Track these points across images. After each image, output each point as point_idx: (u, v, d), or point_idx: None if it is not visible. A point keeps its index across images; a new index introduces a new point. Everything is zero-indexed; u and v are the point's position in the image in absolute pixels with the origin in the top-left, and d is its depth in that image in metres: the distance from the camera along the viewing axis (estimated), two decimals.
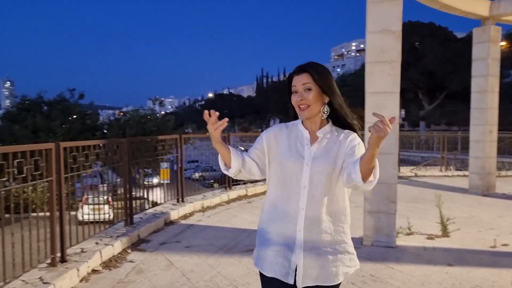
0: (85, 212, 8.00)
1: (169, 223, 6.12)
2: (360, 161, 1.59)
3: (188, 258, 4.53)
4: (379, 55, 4.93)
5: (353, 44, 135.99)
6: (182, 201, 7.07)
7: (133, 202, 5.87)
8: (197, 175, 26.48)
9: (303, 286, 1.75)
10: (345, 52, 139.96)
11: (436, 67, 35.22)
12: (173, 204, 6.89)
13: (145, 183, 9.11)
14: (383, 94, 4.93)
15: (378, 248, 4.84)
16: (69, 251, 4.18)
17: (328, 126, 1.85)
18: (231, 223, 6.12)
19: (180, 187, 7.06)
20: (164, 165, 8.13)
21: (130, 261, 4.44)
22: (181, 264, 4.33)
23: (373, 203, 4.97)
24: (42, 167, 3.80)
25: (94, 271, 4.09)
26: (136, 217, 5.82)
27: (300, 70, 1.81)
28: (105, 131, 28.76)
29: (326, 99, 1.81)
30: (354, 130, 1.84)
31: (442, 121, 41.59)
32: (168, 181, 7.64)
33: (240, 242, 5.10)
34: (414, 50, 36.47)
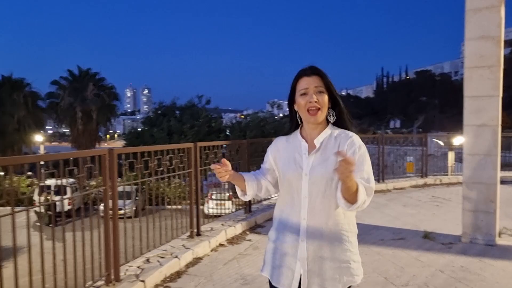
0: (210, 206, 9.35)
1: None
2: (341, 190, 1.64)
3: None
4: (479, 61, 5.14)
5: None
6: None
7: None
8: None
9: None
10: None
11: None
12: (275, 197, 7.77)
13: None
14: (482, 98, 5.13)
15: (475, 245, 5.05)
16: (202, 228, 5.31)
17: (328, 129, 1.82)
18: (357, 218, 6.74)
19: None
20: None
21: (248, 240, 5.42)
22: None
23: (472, 202, 5.19)
24: (183, 162, 4.97)
25: (220, 244, 5.16)
26: (253, 207, 6.84)
27: (311, 71, 1.77)
28: (227, 133, 31.28)
29: (330, 105, 1.80)
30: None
31: None
32: None
33: (367, 234, 5.70)
34: None
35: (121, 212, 3.85)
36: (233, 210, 7.45)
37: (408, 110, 49.11)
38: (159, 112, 32.10)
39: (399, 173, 11.26)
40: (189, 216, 5.03)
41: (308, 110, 1.76)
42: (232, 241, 5.35)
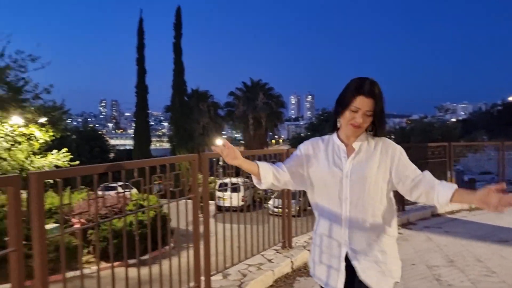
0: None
1: (435, 215, 7.40)
2: (458, 195, 1.65)
3: (444, 238, 5.82)
4: None
5: None
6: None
7: None
8: None
9: None
10: None
11: None
12: None
13: None
14: None
15: None
16: None
17: (363, 135, 1.86)
18: (493, 221, 6.85)
19: None
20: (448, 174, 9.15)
21: (399, 233, 6.02)
22: (437, 240, 5.68)
23: None
24: None
25: None
26: (407, 207, 7.41)
27: (369, 93, 1.75)
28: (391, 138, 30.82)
29: (372, 119, 1.81)
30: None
31: None
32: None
33: (495, 235, 5.94)
34: None
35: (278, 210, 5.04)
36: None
37: None
38: (322, 117, 33.57)
39: None
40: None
41: (351, 124, 1.79)
42: None
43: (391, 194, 1.90)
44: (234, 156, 1.84)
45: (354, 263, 1.82)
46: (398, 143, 1.91)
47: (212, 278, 3.64)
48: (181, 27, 36.61)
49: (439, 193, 1.69)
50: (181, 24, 36.69)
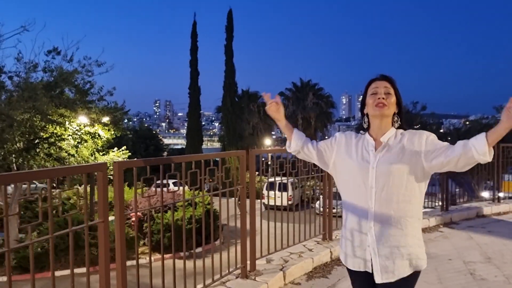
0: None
1: (481, 216, 7.41)
2: (490, 133, 1.69)
3: (486, 237, 5.90)
4: None
5: None
6: (498, 201, 8.08)
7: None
8: None
9: (382, 281, 1.91)
10: None
11: None
12: (488, 203, 8.04)
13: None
14: None
15: None
16: None
17: (392, 130, 1.99)
18: None
19: (497, 188, 8.10)
20: (506, 177, 9.06)
21: (440, 232, 6.25)
22: (478, 239, 5.79)
23: None
24: None
25: None
26: (452, 207, 7.48)
27: (382, 77, 1.99)
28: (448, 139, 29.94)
29: (396, 110, 2.00)
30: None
31: None
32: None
33: None
34: None
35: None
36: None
37: None
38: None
39: None
40: None
41: (376, 105, 1.95)
42: (424, 230, 6.28)
43: (423, 183, 1.93)
44: (278, 110, 2.10)
45: (373, 251, 1.92)
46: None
47: (257, 262, 4.10)
48: (232, 29, 37.60)
49: (475, 145, 1.71)
50: (233, 27, 37.67)
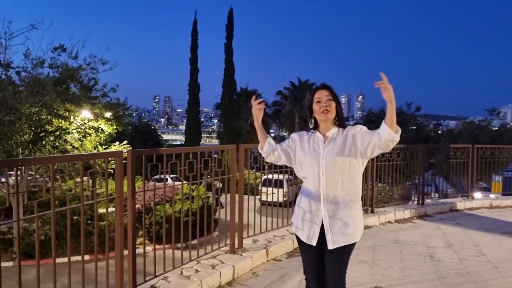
0: None
1: (454, 210, 8.08)
2: (385, 119, 2.21)
3: (453, 228, 6.58)
4: None
5: None
6: (472, 198, 8.75)
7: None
8: None
9: (334, 246, 2.39)
10: None
11: None
12: (463, 198, 8.72)
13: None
14: None
15: None
16: (376, 209, 7.09)
17: (335, 128, 2.49)
18: (507, 218, 7.45)
19: (470, 186, 8.78)
20: (496, 178, 9.60)
21: (413, 223, 6.93)
22: (445, 229, 6.46)
23: None
24: None
25: (388, 221, 6.85)
26: (428, 202, 8.15)
27: (323, 87, 2.49)
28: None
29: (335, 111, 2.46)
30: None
31: None
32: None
33: (503, 228, 6.58)
34: None
35: None
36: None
37: None
38: (369, 119, 33.68)
39: None
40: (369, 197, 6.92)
41: (322, 112, 2.43)
42: (399, 221, 6.96)
43: (361, 165, 2.43)
44: (261, 111, 2.59)
45: (326, 224, 2.40)
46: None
47: (244, 241, 4.76)
48: (232, 28, 38.18)
49: (382, 131, 2.22)
50: (233, 26, 38.26)
